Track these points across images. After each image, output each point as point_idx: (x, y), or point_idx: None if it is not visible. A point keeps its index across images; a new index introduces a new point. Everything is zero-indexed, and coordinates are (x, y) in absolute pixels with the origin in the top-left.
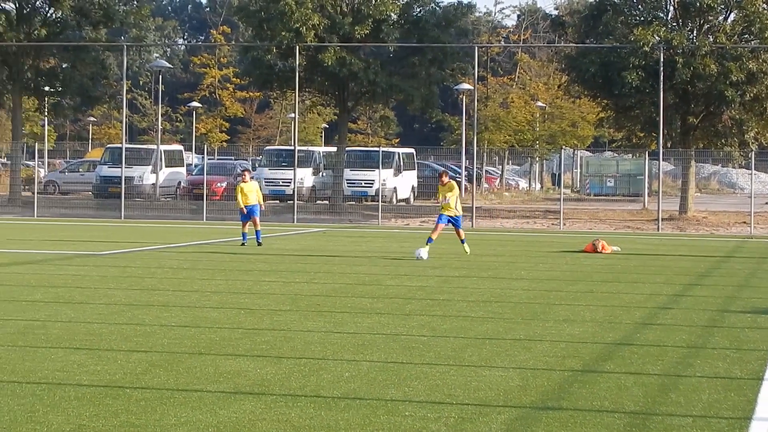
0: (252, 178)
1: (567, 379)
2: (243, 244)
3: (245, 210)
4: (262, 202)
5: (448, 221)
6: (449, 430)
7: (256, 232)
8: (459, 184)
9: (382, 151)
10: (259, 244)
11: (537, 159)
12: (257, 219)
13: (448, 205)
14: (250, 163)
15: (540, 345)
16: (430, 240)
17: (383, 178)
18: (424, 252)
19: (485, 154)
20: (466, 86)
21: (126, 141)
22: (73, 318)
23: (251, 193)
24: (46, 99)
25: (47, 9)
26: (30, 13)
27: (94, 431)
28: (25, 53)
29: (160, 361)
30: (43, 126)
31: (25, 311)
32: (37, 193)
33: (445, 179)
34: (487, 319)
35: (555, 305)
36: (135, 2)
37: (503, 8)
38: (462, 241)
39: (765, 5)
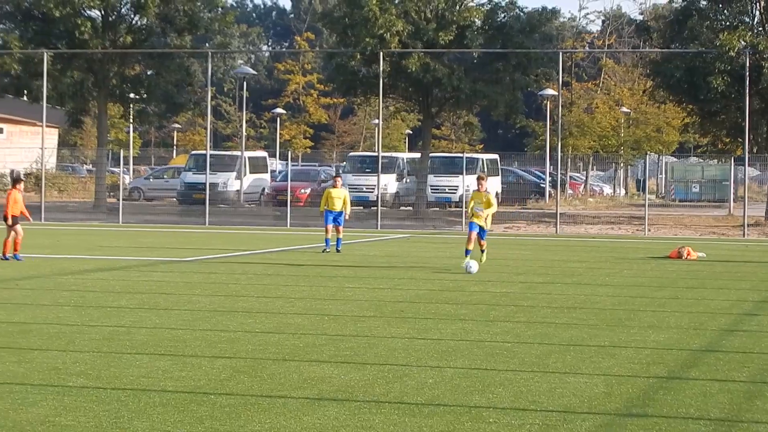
0: (343, 185)
1: (652, 386)
2: (325, 251)
3: (329, 213)
4: (348, 211)
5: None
6: None
7: (337, 239)
8: (542, 190)
9: (466, 157)
10: (338, 251)
11: (621, 165)
12: (340, 227)
13: (478, 215)
14: (334, 169)
15: (625, 351)
16: (468, 252)
17: (467, 184)
18: (473, 265)
19: (569, 160)
20: (550, 92)
21: (210, 147)
22: (157, 324)
23: (338, 199)
24: (131, 106)
25: (132, 16)
26: (115, 20)
27: None
28: (110, 60)
29: (245, 367)
30: (128, 133)
31: (111, 317)
32: (122, 199)
33: (483, 185)
34: (571, 326)
35: (640, 311)
36: (219, 9)
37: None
38: (482, 251)
39: None
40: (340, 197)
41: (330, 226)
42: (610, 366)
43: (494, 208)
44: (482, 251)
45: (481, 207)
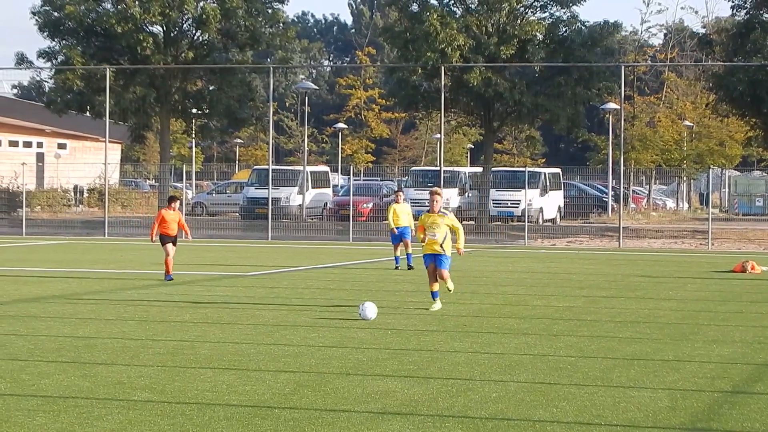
0: (405, 200)
1: (717, 401)
2: (396, 268)
3: (396, 230)
4: (413, 225)
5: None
6: None
7: (407, 255)
8: (604, 204)
9: (528, 171)
10: (410, 267)
11: (684, 178)
12: (408, 241)
13: (433, 241)
14: (396, 184)
15: (689, 366)
16: (434, 294)
17: (529, 198)
18: (368, 308)
19: (632, 174)
20: (612, 105)
21: (273, 162)
22: (221, 338)
23: (403, 214)
24: (193, 121)
25: (194, 32)
26: (177, 35)
27: None
28: (172, 76)
29: (308, 381)
30: (191, 148)
31: (175, 332)
32: (185, 214)
33: (438, 203)
34: (635, 340)
35: (704, 326)
36: (281, 24)
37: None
38: (446, 283)
39: None
40: (405, 212)
41: (399, 245)
42: (675, 380)
43: (461, 231)
44: (446, 283)
45: (435, 232)
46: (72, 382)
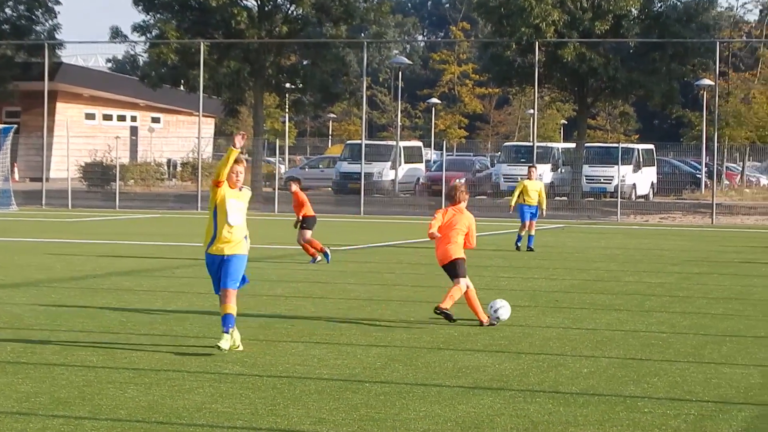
0: (539, 177)
1: None
2: (517, 248)
3: (513, 209)
4: (544, 205)
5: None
6: (689, 428)
7: (529, 237)
8: (698, 180)
9: (622, 147)
10: (530, 248)
11: None
12: (534, 222)
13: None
14: (488, 159)
15: None
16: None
17: (622, 175)
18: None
19: (726, 151)
20: (707, 82)
21: (366, 137)
22: (313, 313)
23: (534, 191)
24: (287, 95)
25: (288, 6)
26: (271, 10)
27: (334, 425)
28: (266, 50)
29: (399, 356)
30: (284, 122)
31: (266, 306)
32: (278, 188)
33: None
34: (727, 317)
35: None
36: None
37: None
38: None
39: None
40: (536, 189)
41: (526, 222)
42: (767, 357)
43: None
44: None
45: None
46: (163, 355)
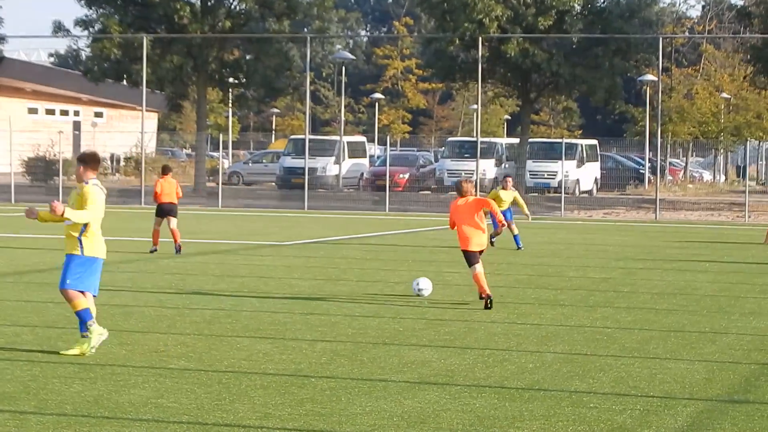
0: (512, 187)
1: (753, 372)
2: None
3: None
4: (526, 210)
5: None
6: (634, 423)
7: (515, 236)
8: (641, 175)
9: (565, 143)
10: (519, 247)
11: (722, 151)
12: (511, 222)
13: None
14: (432, 154)
15: (725, 338)
16: None
17: (566, 170)
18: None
19: (669, 146)
20: (650, 77)
21: (309, 132)
22: (258, 308)
23: (506, 202)
24: (230, 90)
25: (231, 1)
26: (214, 5)
27: (280, 420)
28: (209, 45)
29: (345, 351)
30: (227, 117)
31: (211, 301)
32: (222, 183)
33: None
34: (671, 312)
35: (741, 298)
36: None
37: None
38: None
39: None
40: (508, 200)
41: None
42: (711, 352)
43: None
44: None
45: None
46: (108, 349)
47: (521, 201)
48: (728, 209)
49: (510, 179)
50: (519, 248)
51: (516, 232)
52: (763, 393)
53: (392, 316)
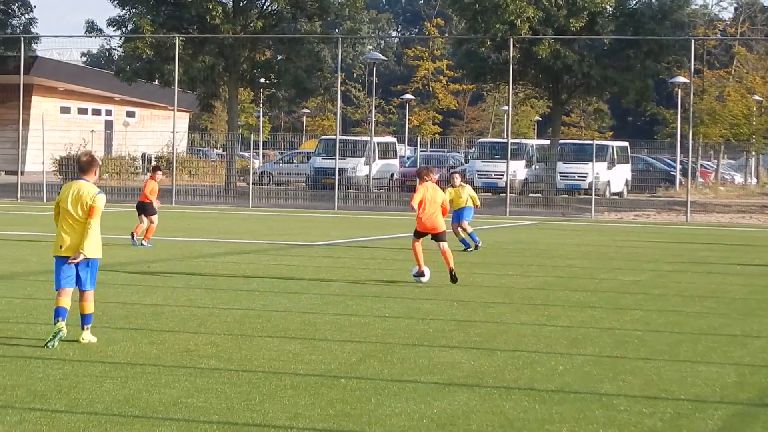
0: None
1: None
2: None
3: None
4: (477, 202)
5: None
6: (665, 426)
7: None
8: (672, 178)
9: (596, 145)
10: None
11: (753, 153)
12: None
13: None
14: (462, 155)
15: (757, 341)
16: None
17: (597, 171)
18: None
19: (700, 148)
20: (681, 79)
21: (340, 133)
22: (288, 308)
23: (461, 199)
24: (261, 91)
25: (263, 1)
26: (246, 5)
27: (309, 420)
28: (241, 45)
29: (374, 352)
30: (258, 117)
31: (242, 300)
32: (252, 183)
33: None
34: (702, 315)
35: None
36: None
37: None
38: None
39: None
40: (463, 197)
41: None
42: (742, 356)
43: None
44: None
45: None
46: (139, 349)
47: (473, 194)
48: (759, 212)
49: (458, 175)
50: (468, 249)
51: (470, 230)
52: None
53: (422, 317)
